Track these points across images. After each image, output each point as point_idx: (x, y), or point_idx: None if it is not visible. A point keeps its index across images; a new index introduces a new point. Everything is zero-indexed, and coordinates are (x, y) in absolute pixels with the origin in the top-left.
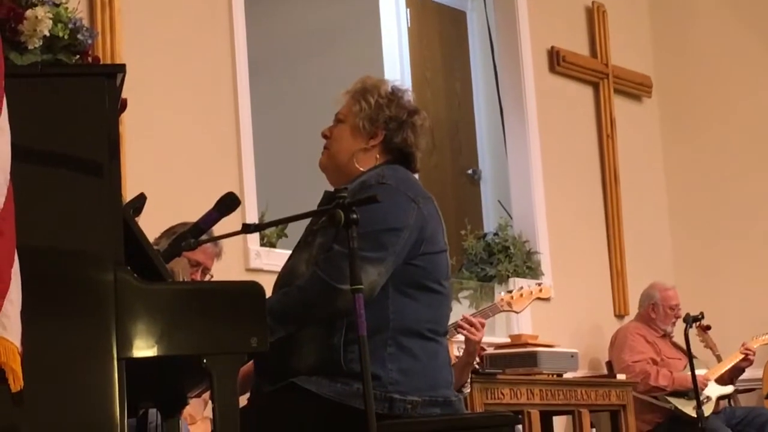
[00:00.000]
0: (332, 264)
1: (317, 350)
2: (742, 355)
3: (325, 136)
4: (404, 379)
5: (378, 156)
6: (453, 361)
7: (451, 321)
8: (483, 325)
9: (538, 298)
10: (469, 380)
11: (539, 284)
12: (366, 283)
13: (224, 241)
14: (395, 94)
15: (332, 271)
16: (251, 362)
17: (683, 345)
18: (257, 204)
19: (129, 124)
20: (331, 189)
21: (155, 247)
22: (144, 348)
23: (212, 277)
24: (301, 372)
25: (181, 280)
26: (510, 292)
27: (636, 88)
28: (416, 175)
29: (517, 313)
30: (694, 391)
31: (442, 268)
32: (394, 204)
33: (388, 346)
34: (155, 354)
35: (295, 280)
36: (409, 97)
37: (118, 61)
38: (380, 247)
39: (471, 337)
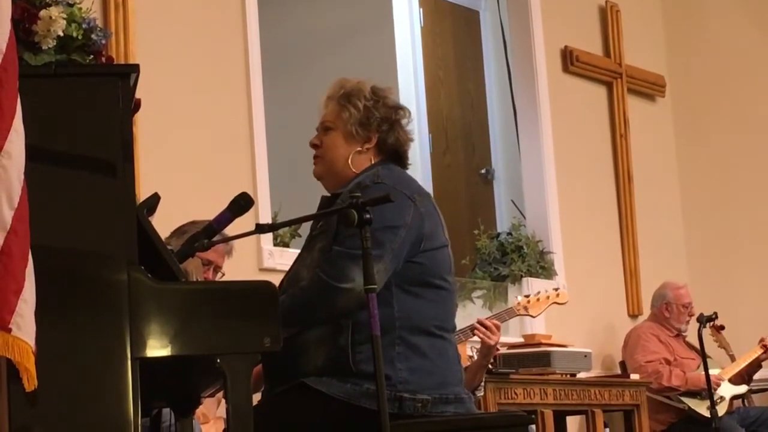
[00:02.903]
0: (332, 264)
1: (325, 351)
2: (762, 350)
3: (315, 146)
4: (414, 377)
5: (372, 157)
6: (467, 363)
7: (467, 322)
8: (498, 328)
9: (555, 303)
10: (483, 383)
11: (556, 289)
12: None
13: (237, 241)
14: (378, 95)
15: (332, 271)
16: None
17: (697, 345)
18: (270, 204)
19: (142, 124)
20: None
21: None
22: (158, 348)
23: (224, 275)
24: (310, 373)
25: (194, 280)
26: (527, 296)
27: (649, 88)
28: (427, 174)
29: (533, 317)
30: (707, 391)
31: (445, 264)
32: (391, 202)
33: (397, 345)
34: (169, 354)
35: (297, 285)
36: (391, 94)
37: (131, 62)
38: (378, 245)
39: (486, 341)
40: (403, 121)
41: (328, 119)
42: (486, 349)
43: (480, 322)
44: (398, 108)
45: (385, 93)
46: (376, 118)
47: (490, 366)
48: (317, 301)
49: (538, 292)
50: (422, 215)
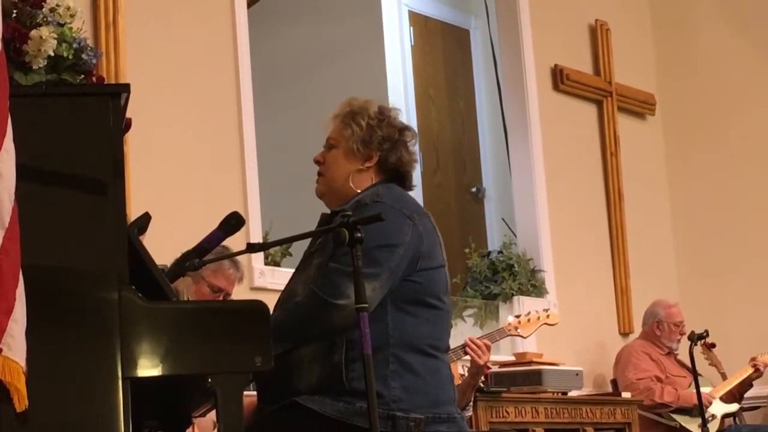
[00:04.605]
0: (328, 280)
1: (319, 369)
2: (753, 369)
3: (318, 162)
4: (407, 396)
5: (374, 176)
6: (458, 382)
7: (458, 340)
8: (489, 348)
9: (546, 324)
10: (471, 401)
11: (546, 310)
12: None
13: (228, 260)
14: (384, 114)
15: (328, 287)
16: (254, 396)
17: (688, 363)
18: (261, 223)
19: (133, 143)
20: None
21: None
22: (149, 367)
23: None
24: (303, 391)
25: (185, 299)
26: (518, 317)
27: (639, 106)
28: (418, 193)
29: (524, 338)
30: (698, 409)
31: (441, 284)
32: (390, 221)
33: (390, 363)
34: (160, 373)
35: (292, 300)
36: (397, 114)
37: (122, 81)
38: (374, 263)
39: (476, 360)
40: (408, 142)
41: (332, 136)
42: (475, 369)
43: (471, 341)
44: (403, 128)
45: (391, 113)
46: (378, 137)
47: (481, 384)
48: (312, 317)
49: (529, 313)
50: (421, 234)
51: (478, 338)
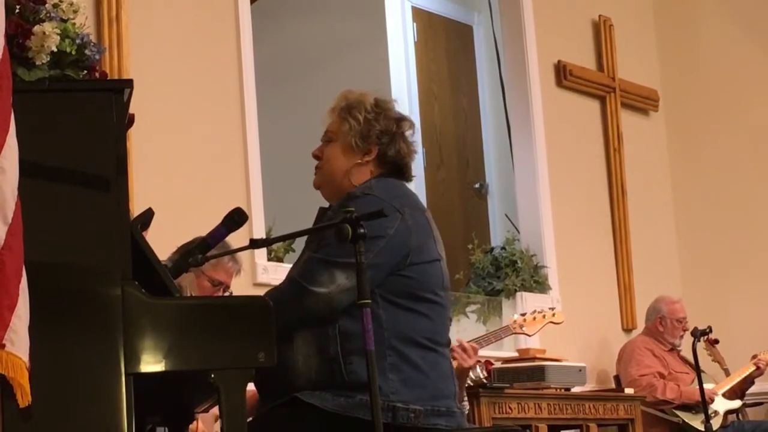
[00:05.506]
0: (305, 267)
1: (316, 364)
2: (754, 367)
3: (316, 156)
4: (405, 388)
5: (372, 170)
6: None
7: (462, 337)
8: (476, 351)
9: (551, 323)
10: (465, 400)
11: (552, 309)
12: (332, 286)
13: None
14: (380, 106)
15: (304, 274)
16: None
17: (691, 359)
18: (264, 219)
19: (136, 139)
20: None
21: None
22: (152, 363)
23: (232, 293)
24: (302, 387)
25: (188, 295)
26: (523, 315)
27: (643, 102)
28: (421, 189)
29: (529, 336)
30: (701, 405)
31: (436, 278)
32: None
33: (388, 356)
34: (163, 369)
35: None
36: (393, 106)
37: (125, 77)
38: (351, 253)
39: (462, 363)
40: (407, 133)
41: (330, 130)
42: (460, 372)
43: (459, 344)
44: (400, 120)
45: (388, 105)
46: (376, 131)
47: (484, 380)
48: (286, 300)
49: (534, 311)
50: (409, 228)
51: (483, 336)
